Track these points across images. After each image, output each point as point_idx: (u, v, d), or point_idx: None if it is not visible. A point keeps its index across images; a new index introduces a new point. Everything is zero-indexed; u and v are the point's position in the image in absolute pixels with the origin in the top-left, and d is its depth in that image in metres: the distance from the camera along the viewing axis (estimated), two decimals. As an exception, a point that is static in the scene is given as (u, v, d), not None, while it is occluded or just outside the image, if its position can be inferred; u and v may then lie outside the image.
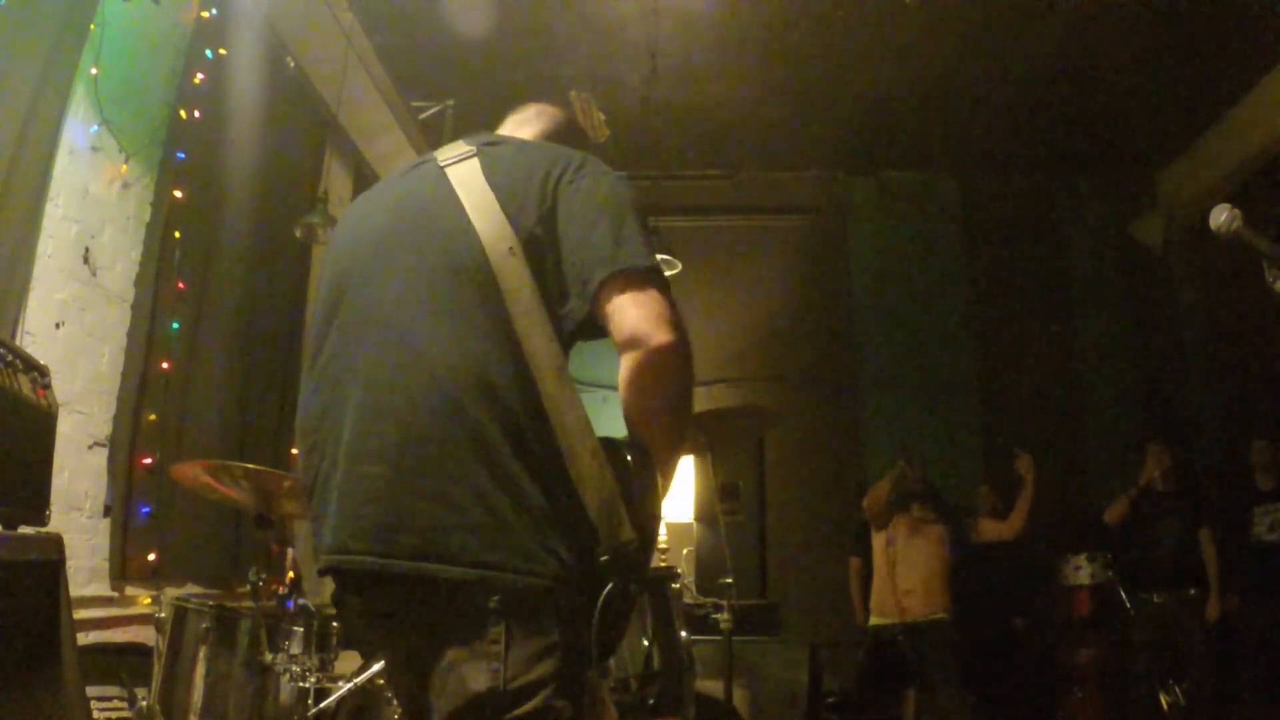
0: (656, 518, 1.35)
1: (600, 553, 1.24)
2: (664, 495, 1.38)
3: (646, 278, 1.29)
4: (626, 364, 1.28)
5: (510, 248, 1.30)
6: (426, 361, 1.28)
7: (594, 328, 1.32)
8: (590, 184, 1.37)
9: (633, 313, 1.27)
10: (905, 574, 4.49)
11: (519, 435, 1.25)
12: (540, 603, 1.22)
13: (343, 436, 1.32)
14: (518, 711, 1.19)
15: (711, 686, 3.67)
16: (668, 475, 1.38)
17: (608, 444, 1.29)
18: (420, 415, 1.26)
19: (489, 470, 1.22)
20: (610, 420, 1.35)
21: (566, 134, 1.66)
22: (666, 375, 1.28)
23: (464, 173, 1.41)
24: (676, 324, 1.28)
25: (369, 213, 1.50)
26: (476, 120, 1.74)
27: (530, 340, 1.27)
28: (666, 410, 1.32)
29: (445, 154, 1.48)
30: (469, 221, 1.34)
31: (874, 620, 4.64)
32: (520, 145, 1.52)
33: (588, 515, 1.24)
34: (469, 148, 1.46)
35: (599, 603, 1.23)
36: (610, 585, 1.24)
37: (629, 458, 1.30)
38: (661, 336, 1.26)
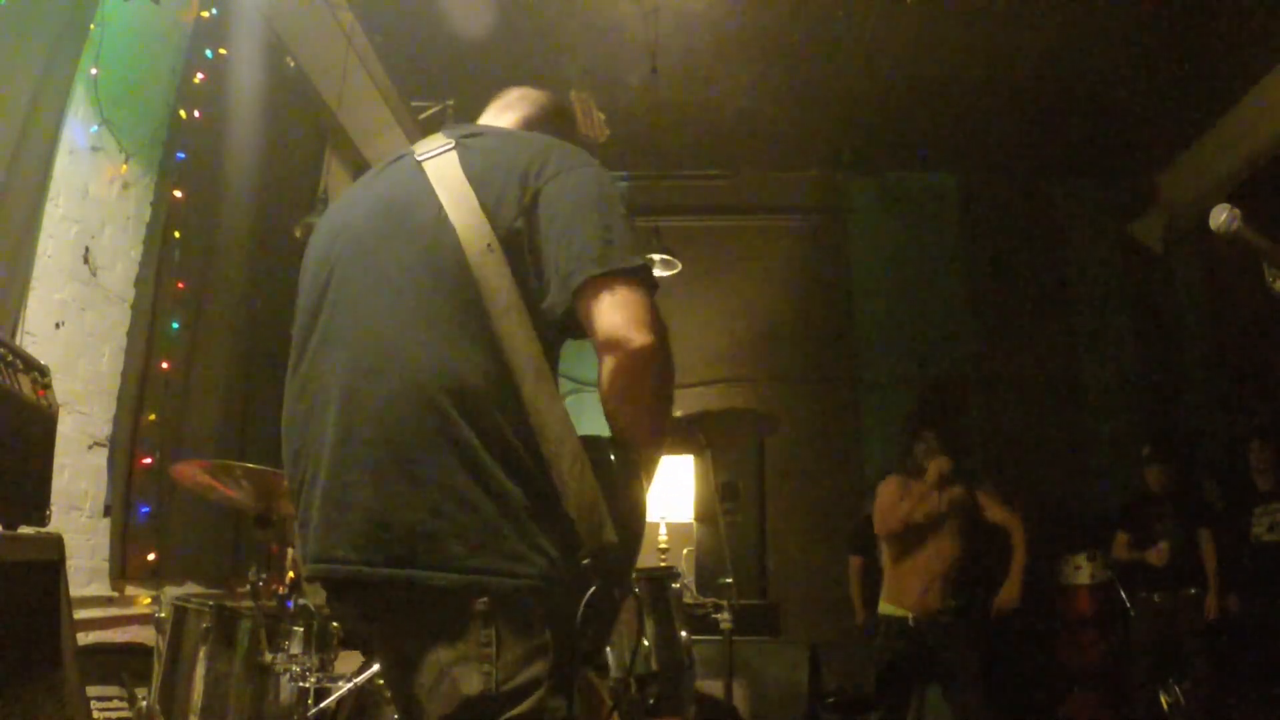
0: (640, 518, 1.33)
1: (582, 555, 1.23)
2: (647, 494, 1.36)
3: (630, 278, 1.27)
4: (606, 366, 1.26)
5: (489, 245, 1.28)
6: (406, 364, 1.26)
7: (577, 325, 1.30)
8: (575, 178, 1.33)
9: (612, 315, 1.24)
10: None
11: (500, 437, 1.23)
12: (530, 603, 1.21)
13: (325, 442, 1.30)
14: (512, 713, 1.18)
15: (711, 686, 3.67)
16: (650, 474, 1.36)
17: (590, 443, 1.27)
18: (401, 419, 1.24)
19: (471, 473, 1.21)
20: (601, 419, 1.34)
21: (551, 119, 1.63)
22: (645, 377, 1.27)
23: (441, 167, 1.37)
24: (655, 326, 1.26)
25: (347, 211, 1.48)
26: (476, 120, 1.72)
27: (510, 340, 1.25)
28: (646, 412, 1.31)
29: (423, 147, 1.45)
30: (446, 218, 1.31)
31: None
32: (500, 136, 1.48)
33: (570, 516, 1.23)
34: (447, 140, 1.43)
35: (582, 605, 1.23)
36: (594, 587, 1.23)
37: (612, 457, 1.28)
38: (640, 339, 1.24)
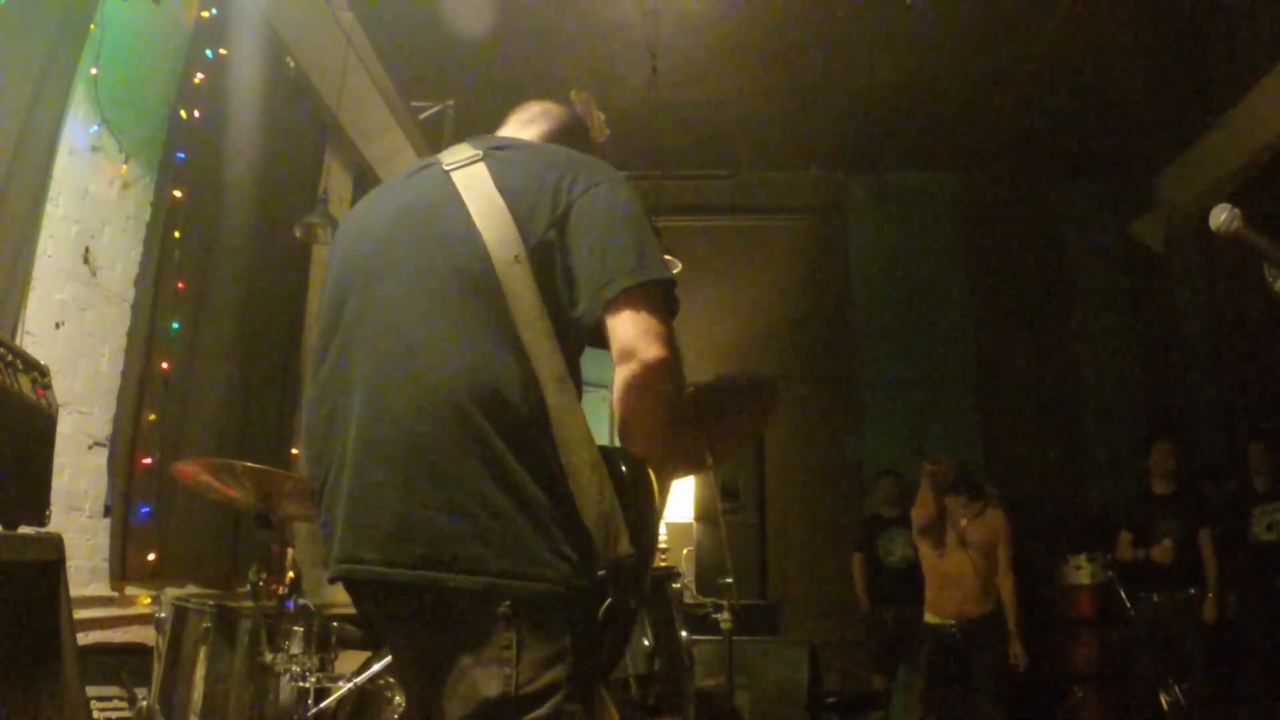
0: (654, 531, 1.34)
1: (598, 566, 1.24)
2: (661, 508, 1.37)
3: (655, 293, 1.30)
4: (619, 376, 1.29)
5: (516, 255, 1.30)
6: (431, 368, 1.28)
7: (603, 335, 1.32)
8: (607, 192, 1.36)
9: (630, 326, 1.27)
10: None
11: (525, 443, 1.24)
12: (551, 608, 1.22)
13: (349, 444, 1.31)
14: (529, 716, 1.19)
15: (711, 687, 3.67)
16: (664, 487, 1.37)
17: (607, 454, 1.28)
18: (426, 423, 1.25)
19: (496, 477, 1.22)
20: (609, 420, 1.35)
21: (571, 135, 1.65)
22: (652, 390, 1.29)
23: (470, 177, 1.40)
24: (668, 341, 1.29)
25: (372, 217, 1.49)
26: (476, 120, 1.73)
27: (535, 349, 1.27)
28: (653, 424, 1.32)
29: (450, 157, 1.46)
30: (475, 228, 1.33)
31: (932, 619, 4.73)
32: (528, 149, 1.50)
33: (587, 526, 1.24)
34: (475, 151, 1.45)
35: (600, 615, 1.23)
36: (610, 599, 1.24)
37: (624, 469, 1.30)
38: (652, 351, 1.26)
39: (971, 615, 4.56)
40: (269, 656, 2.46)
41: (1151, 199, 7.00)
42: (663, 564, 5.11)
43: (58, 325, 3.13)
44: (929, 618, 4.72)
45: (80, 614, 2.54)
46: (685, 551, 6.01)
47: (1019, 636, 4.62)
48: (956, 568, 4.59)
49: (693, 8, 5.28)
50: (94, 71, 3.24)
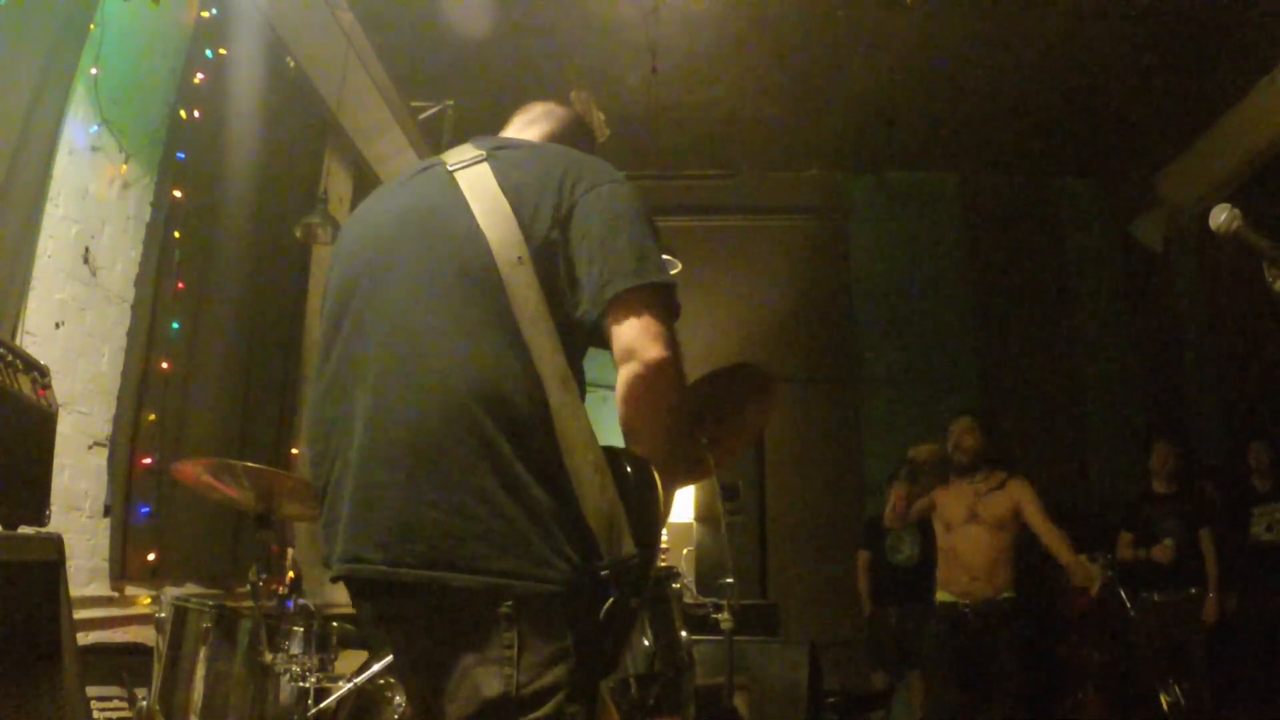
0: (657, 531, 1.34)
1: (601, 566, 1.24)
2: (667, 508, 1.36)
3: (656, 295, 1.31)
4: (621, 377, 1.29)
5: (519, 256, 1.30)
6: (435, 368, 1.28)
7: (603, 337, 1.32)
8: (609, 192, 1.36)
9: (631, 328, 1.28)
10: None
11: (529, 444, 1.25)
12: (553, 608, 1.22)
13: (353, 443, 1.31)
14: (530, 716, 1.19)
15: (711, 686, 3.67)
16: (667, 487, 1.37)
17: (611, 454, 1.29)
18: (430, 422, 1.25)
19: (499, 477, 1.22)
20: (609, 419, 1.35)
21: (574, 135, 1.65)
22: (656, 390, 1.29)
23: (474, 178, 1.40)
24: (670, 342, 1.29)
25: (376, 217, 1.49)
26: (476, 120, 1.73)
27: (538, 350, 1.27)
28: (658, 425, 1.33)
29: (453, 158, 1.46)
30: (478, 228, 1.33)
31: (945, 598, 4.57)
32: (531, 149, 1.51)
33: (590, 526, 1.24)
34: (478, 152, 1.45)
35: (600, 616, 1.23)
36: (612, 599, 1.24)
37: (628, 469, 1.30)
38: (653, 352, 1.27)
39: (981, 595, 4.35)
40: (269, 656, 2.47)
41: (1151, 199, 6.99)
42: (663, 564, 5.11)
43: (58, 325, 3.14)
44: (941, 596, 4.57)
45: (80, 614, 2.54)
46: (685, 551, 6.01)
47: (1076, 564, 4.42)
48: (962, 543, 4.49)
49: (693, 8, 5.28)
50: (94, 71, 3.24)
